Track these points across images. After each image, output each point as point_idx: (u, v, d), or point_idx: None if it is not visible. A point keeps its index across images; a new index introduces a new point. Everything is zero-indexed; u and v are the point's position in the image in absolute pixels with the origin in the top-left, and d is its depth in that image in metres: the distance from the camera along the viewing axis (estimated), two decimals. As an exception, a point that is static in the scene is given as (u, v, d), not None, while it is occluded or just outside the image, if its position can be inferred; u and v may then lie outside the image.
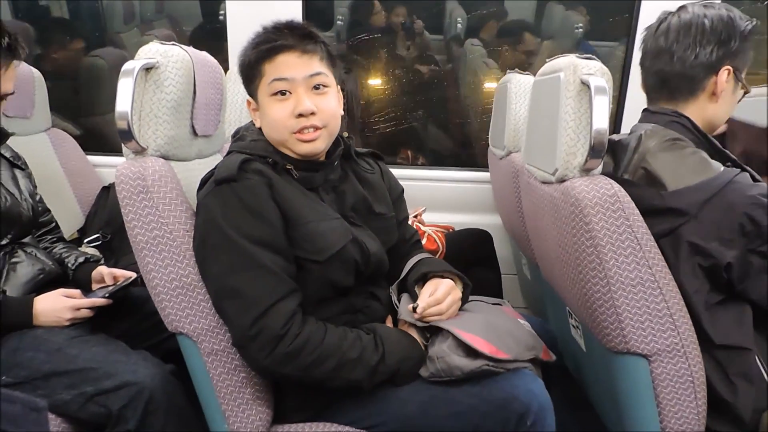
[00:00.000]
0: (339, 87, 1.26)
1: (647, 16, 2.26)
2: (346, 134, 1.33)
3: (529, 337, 1.24)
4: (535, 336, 1.27)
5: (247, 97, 1.26)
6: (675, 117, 1.26)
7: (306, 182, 1.22)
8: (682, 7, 1.27)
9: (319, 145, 1.20)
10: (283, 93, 1.17)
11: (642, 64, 1.34)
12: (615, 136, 1.36)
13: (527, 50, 2.91)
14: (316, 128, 1.18)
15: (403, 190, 1.47)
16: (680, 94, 1.27)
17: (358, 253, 1.21)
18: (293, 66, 1.16)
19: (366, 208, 1.31)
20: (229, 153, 1.22)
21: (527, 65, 2.84)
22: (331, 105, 1.20)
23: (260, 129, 1.25)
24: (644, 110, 1.35)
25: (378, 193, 1.35)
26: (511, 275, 2.41)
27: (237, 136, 1.29)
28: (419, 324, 1.19)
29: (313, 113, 1.17)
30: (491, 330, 1.17)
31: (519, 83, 1.89)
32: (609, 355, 1.19)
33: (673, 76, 1.26)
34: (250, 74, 1.20)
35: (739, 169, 1.16)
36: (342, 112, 1.26)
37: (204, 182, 1.18)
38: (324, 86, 1.19)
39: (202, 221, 1.13)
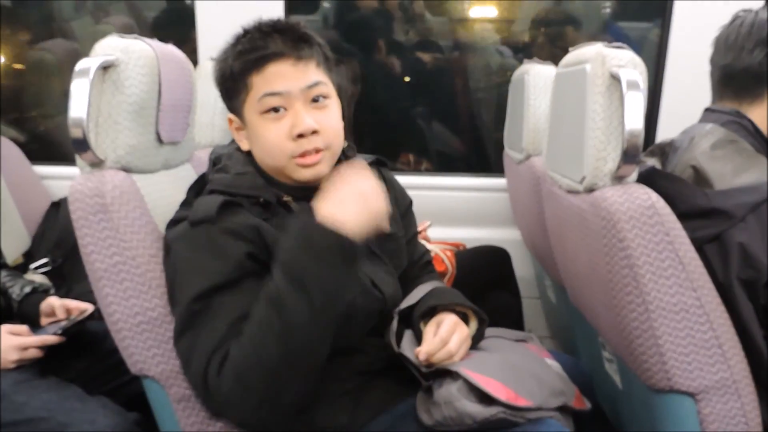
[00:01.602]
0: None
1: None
2: (345, 144, 1.31)
3: (558, 381, 1.22)
4: (566, 379, 1.26)
5: (228, 113, 1.24)
6: (735, 117, 1.30)
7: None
8: (762, 8, 1.32)
9: (322, 169, 1.19)
10: (276, 110, 1.15)
11: (711, 59, 1.39)
12: (667, 139, 1.42)
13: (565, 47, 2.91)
14: (318, 150, 1.17)
15: (411, 202, 1.47)
16: (746, 93, 1.32)
17: (372, 302, 1.21)
18: (287, 77, 1.14)
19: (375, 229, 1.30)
20: (209, 192, 1.17)
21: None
22: (333, 121, 1.20)
23: (247, 153, 1.23)
24: (706, 109, 1.39)
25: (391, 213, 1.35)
26: (533, 299, 2.42)
27: (218, 166, 1.25)
28: (424, 369, 1.17)
29: (314, 132, 1.15)
30: (510, 371, 1.16)
31: (538, 75, 1.90)
32: (649, 393, 1.20)
33: (740, 72, 1.30)
34: (233, 88, 1.18)
35: None
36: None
37: (175, 222, 1.16)
38: (324, 98, 1.19)
39: (170, 273, 1.13)
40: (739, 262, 1.14)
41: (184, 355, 1.10)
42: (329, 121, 1.18)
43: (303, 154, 1.16)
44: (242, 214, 1.13)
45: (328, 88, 1.20)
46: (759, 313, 1.15)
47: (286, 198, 1.20)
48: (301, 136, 1.15)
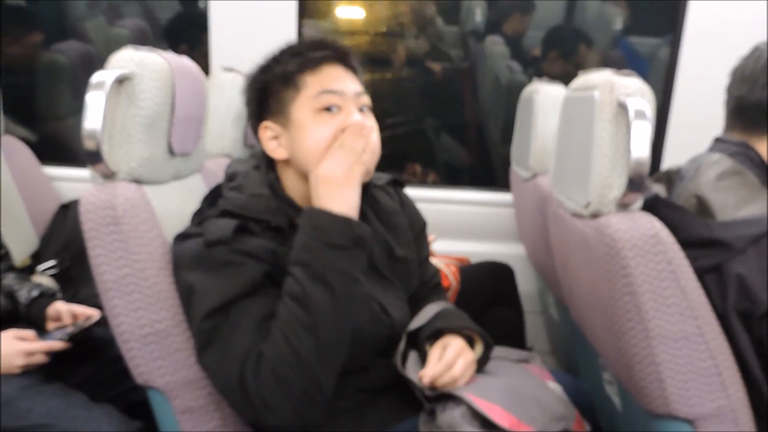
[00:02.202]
0: None
1: (696, 7, 2.29)
2: None
3: (559, 405, 1.23)
4: (567, 403, 1.27)
5: (252, 125, 1.26)
6: (742, 149, 1.31)
7: None
8: None
9: (363, 178, 1.18)
10: (329, 109, 1.18)
11: (727, 88, 1.40)
12: (674, 167, 1.43)
13: (577, 63, 2.93)
14: None
15: (425, 224, 1.48)
16: (755, 126, 1.32)
17: (381, 327, 1.23)
18: (342, 79, 1.20)
19: (387, 252, 1.32)
20: (222, 212, 1.19)
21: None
22: (376, 138, 1.22)
23: (265, 169, 1.25)
24: (716, 138, 1.40)
25: (400, 233, 1.36)
26: (535, 314, 2.43)
27: (233, 183, 1.26)
28: (429, 393, 1.18)
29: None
30: (513, 397, 1.16)
31: (547, 95, 1.92)
32: (648, 418, 1.21)
33: (751, 105, 1.31)
34: (278, 91, 1.21)
35: None
36: None
37: (184, 237, 1.17)
38: (369, 110, 1.23)
39: (184, 290, 1.13)
40: (736, 293, 1.15)
41: (212, 368, 1.11)
42: (373, 136, 1.21)
43: None
44: (256, 238, 1.15)
45: (369, 103, 1.25)
46: (755, 344, 1.16)
47: (298, 220, 1.20)
48: None
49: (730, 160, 1.29)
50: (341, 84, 1.19)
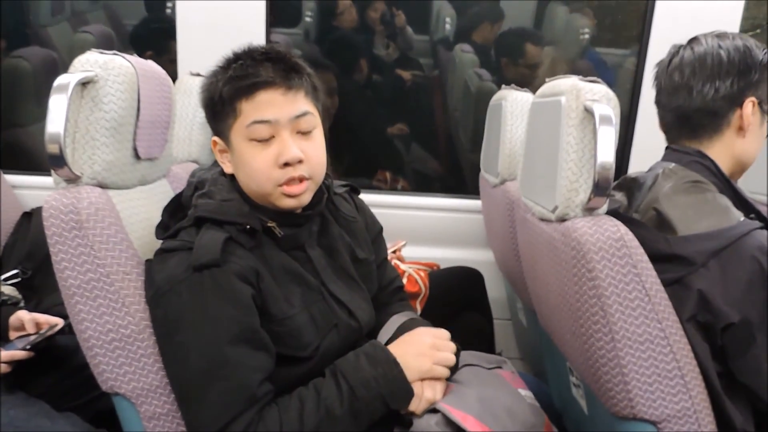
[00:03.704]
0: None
1: (662, 20, 2.35)
2: None
3: (529, 414, 1.25)
4: (537, 409, 1.29)
5: (209, 130, 1.26)
6: (698, 158, 1.32)
7: (291, 241, 1.24)
8: (693, 39, 1.35)
9: (305, 198, 1.22)
10: (264, 138, 1.17)
11: (658, 102, 1.41)
12: (632, 174, 1.43)
13: (530, 64, 2.98)
14: (303, 179, 1.19)
15: (381, 229, 1.51)
16: (704, 130, 1.34)
17: (349, 333, 1.26)
18: (277, 105, 1.16)
19: (351, 255, 1.34)
20: (196, 218, 1.18)
21: (530, 80, 2.90)
22: (318, 151, 1.22)
23: (230, 176, 1.25)
24: (667, 148, 1.41)
25: (359, 236, 1.39)
26: (504, 320, 2.45)
27: (201, 190, 1.26)
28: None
29: (300, 161, 1.18)
30: (486, 407, 1.19)
31: (515, 102, 1.94)
32: (613, 420, 1.22)
33: (695, 111, 1.33)
34: (221, 111, 1.19)
35: (762, 224, 1.19)
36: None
37: (163, 252, 1.16)
38: (311, 128, 1.21)
39: (173, 315, 1.11)
40: (697, 306, 1.16)
41: (195, 398, 1.09)
42: (314, 151, 1.21)
43: (289, 183, 1.18)
44: (242, 253, 1.15)
45: (315, 118, 1.22)
46: (716, 353, 1.18)
47: (270, 224, 1.21)
48: (287, 164, 1.17)
49: (687, 171, 1.31)
50: (275, 111, 1.16)
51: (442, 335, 1.27)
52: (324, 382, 1.15)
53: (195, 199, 1.24)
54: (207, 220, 1.17)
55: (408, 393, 1.17)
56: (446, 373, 1.23)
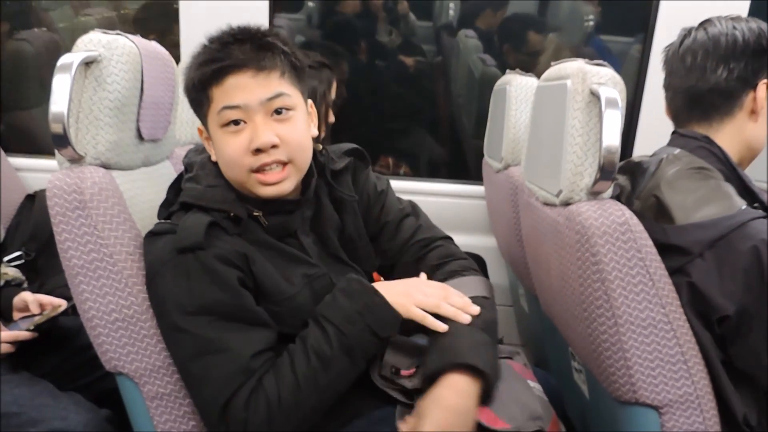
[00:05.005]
0: (310, 102, 1.25)
1: (668, 6, 2.33)
2: (320, 147, 1.31)
3: (537, 405, 1.21)
4: (546, 403, 1.25)
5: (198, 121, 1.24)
6: (705, 143, 1.30)
7: (281, 229, 1.21)
8: (706, 21, 1.33)
9: (286, 186, 1.17)
10: (236, 122, 1.14)
11: (667, 85, 1.40)
12: (636, 158, 1.42)
13: (533, 51, 2.96)
14: (281, 164, 1.15)
15: (383, 191, 1.42)
16: (716, 112, 1.32)
17: None
18: (246, 89, 1.12)
19: (340, 235, 1.32)
20: (181, 204, 1.18)
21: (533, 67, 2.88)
22: (297, 134, 1.17)
23: (216, 163, 1.22)
24: (674, 133, 1.40)
25: (354, 215, 1.35)
26: (506, 307, 2.45)
27: (189, 173, 1.24)
28: (410, 385, 1.16)
29: (274, 146, 1.13)
30: (497, 397, 1.15)
31: (520, 86, 1.93)
32: (615, 405, 1.22)
33: (708, 91, 1.31)
34: (197, 99, 1.17)
35: (764, 213, 1.17)
36: (315, 133, 1.24)
37: (155, 234, 1.16)
38: (287, 110, 1.16)
39: (162, 297, 1.12)
40: (693, 297, 1.16)
41: (196, 378, 1.10)
42: (292, 134, 1.16)
43: (262, 171, 1.15)
44: (227, 238, 1.14)
45: (293, 99, 1.17)
46: (717, 340, 1.18)
47: (256, 213, 1.19)
48: (259, 150, 1.13)
49: (692, 156, 1.29)
50: (244, 95, 1.12)
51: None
52: (309, 331, 1.13)
53: (183, 183, 1.23)
54: (192, 206, 1.16)
55: (394, 318, 1.13)
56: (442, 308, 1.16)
